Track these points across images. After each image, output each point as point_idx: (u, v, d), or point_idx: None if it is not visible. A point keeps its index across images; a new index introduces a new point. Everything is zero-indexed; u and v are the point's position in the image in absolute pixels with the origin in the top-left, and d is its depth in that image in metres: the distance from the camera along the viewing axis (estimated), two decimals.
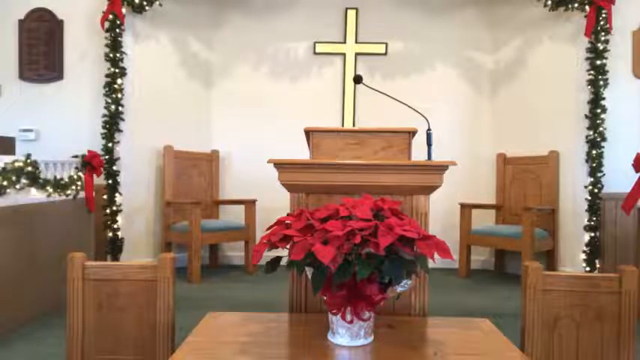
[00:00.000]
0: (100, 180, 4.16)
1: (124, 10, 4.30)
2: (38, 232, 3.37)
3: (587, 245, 4.11)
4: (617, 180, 4.00)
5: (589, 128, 4.11)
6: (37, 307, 3.36)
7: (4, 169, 3.11)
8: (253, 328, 1.62)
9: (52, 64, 4.45)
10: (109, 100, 4.29)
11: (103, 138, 4.31)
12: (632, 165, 3.46)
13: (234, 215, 4.93)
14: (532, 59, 4.80)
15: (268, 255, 1.50)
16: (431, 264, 1.46)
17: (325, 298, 1.44)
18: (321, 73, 5.23)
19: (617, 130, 4.09)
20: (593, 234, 4.09)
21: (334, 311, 1.44)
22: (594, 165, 4.07)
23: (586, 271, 4.04)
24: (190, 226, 4.20)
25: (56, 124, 4.44)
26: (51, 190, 3.47)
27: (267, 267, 1.49)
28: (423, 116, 2.31)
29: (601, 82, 4.07)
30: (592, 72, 4.09)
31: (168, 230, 4.56)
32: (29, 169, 3.27)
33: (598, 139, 4.07)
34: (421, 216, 1.88)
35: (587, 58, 4.13)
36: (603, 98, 4.07)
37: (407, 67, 5.16)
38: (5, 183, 3.07)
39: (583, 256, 4.13)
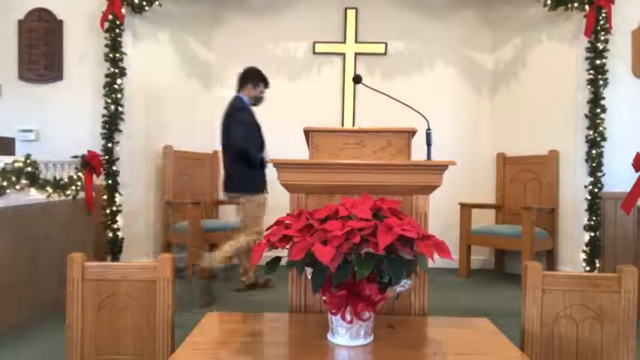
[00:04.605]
0: (100, 180, 4.16)
1: (123, 11, 4.29)
2: (38, 232, 3.37)
3: (587, 245, 4.10)
4: (617, 180, 3.99)
5: (589, 128, 4.10)
6: (37, 307, 3.35)
7: (4, 169, 3.11)
8: (253, 328, 1.62)
9: (52, 64, 4.45)
10: (109, 100, 4.29)
11: (103, 138, 4.31)
12: (632, 165, 3.46)
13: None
14: (532, 59, 4.80)
15: (268, 255, 1.50)
16: (431, 264, 1.46)
17: (325, 298, 1.44)
18: (320, 73, 5.23)
19: (617, 129, 4.09)
20: (593, 234, 4.08)
21: (334, 311, 1.43)
22: (594, 165, 4.07)
23: (586, 271, 4.03)
24: (190, 226, 4.20)
25: (56, 125, 4.43)
26: (51, 190, 3.47)
27: (267, 267, 1.49)
28: (423, 116, 2.31)
29: (601, 82, 4.06)
30: (592, 71, 4.09)
31: (168, 230, 4.56)
32: (29, 169, 3.27)
33: (598, 139, 4.06)
34: (421, 216, 1.88)
35: (587, 58, 4.12)
36: (603, 98, 4.06)
37: (406, 67, 5.16)
38: (5, 183, 3.07)
39: (583, 255, 4.12)
